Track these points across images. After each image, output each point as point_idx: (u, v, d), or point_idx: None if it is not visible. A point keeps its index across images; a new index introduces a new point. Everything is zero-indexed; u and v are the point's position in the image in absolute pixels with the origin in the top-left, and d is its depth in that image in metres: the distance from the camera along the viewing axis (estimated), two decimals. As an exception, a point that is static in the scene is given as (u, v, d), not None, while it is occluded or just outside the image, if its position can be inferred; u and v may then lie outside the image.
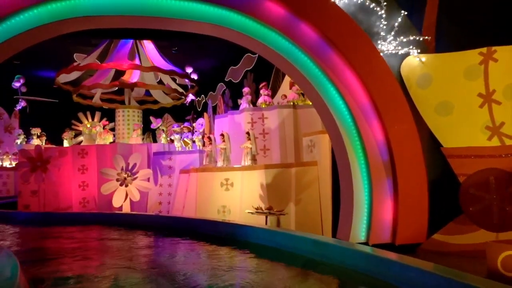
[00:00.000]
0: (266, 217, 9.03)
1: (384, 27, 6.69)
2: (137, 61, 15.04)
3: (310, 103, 12.03)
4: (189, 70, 16.34)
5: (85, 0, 6.21)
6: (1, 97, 20.41)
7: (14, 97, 19.33)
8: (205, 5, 6.45)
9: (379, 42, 6.72)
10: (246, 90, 12.55)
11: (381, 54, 6.61)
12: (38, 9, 6.06)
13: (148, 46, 15.46)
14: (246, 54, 18.05)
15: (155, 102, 16.81)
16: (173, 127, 13.87)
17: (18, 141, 15.57)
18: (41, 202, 13.02)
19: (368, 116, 6.54)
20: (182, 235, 8.44)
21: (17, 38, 6.11)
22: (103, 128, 14.36)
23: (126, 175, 12.10)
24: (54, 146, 14.68)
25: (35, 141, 14.82)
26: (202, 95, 22.07)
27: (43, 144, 14.71)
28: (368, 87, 6.44)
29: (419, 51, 6.73)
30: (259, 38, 6.64)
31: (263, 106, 11.87)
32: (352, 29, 6.51)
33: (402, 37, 6.73)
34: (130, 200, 12.19)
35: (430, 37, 6.77)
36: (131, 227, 9.82)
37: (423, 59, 6.72)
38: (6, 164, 18.08)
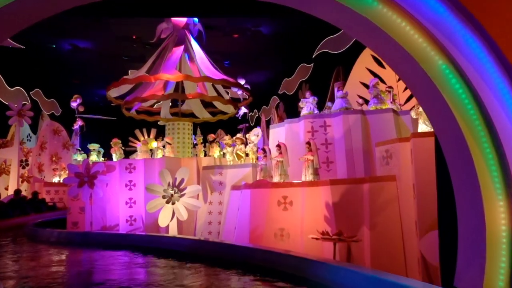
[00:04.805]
0: (335, 244, 6.77)
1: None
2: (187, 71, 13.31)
3: (381, 108, 9.57)
4: (241, 81, 14.42)
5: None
6: (61, 115, 19.89)
7: (75, 115, 18.56)
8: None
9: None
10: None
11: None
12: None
13: (199, 55, 13.70)
14: (301, 64, 15.86)
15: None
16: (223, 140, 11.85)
17: (78, 158, 14.44)
18: (88, 220, 11.46)
19: (506, 104, 3.95)
20: (231, 266, 6.41)
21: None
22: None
23: (172, 192, 10.19)
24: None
25: (94, 157, 13.61)
26: (255, 110, 20.06)
27: (99, 159, 13.46)
28: (506, 59, 3.89)
29: None
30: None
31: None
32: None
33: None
34: (177, 219, 10.24)
35: None
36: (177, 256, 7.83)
37: None
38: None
